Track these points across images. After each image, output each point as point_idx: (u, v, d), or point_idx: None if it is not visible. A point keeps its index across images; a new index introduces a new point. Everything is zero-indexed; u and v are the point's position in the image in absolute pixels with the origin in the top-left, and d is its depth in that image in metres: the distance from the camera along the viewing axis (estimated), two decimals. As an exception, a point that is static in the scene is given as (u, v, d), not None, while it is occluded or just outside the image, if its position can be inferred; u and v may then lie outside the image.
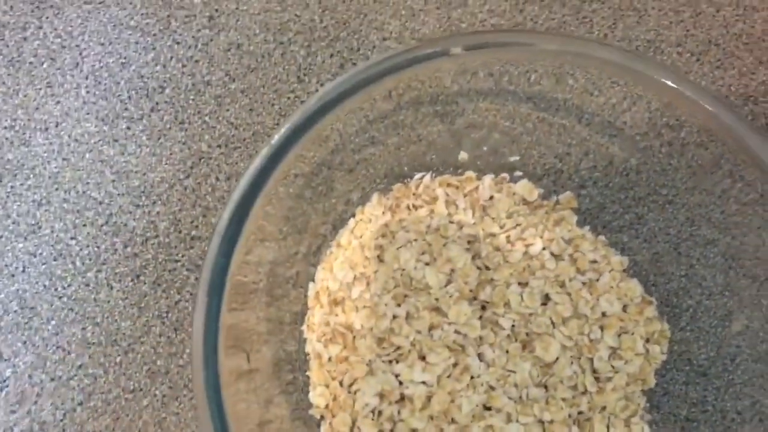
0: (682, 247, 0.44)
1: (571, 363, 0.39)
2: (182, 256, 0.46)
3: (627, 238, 0.46)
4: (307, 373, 0.41)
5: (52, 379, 0.44)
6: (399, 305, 0.39)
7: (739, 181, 0.40)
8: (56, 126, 0.49)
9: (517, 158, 0.44)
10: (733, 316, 0.42)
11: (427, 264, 0.40)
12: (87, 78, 0.50)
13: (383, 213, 0.42)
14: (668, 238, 0.45)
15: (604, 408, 0.39)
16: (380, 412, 0.38)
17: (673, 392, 0.43)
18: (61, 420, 0.44)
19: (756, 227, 0.40)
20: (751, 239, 0.41)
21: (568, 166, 0.47)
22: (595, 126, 0.45)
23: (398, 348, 0.38)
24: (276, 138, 0.35)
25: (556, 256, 0.41)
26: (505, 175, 0.44)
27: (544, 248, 0.41)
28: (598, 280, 0.41)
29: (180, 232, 0.47)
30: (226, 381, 0.36)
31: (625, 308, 0.41)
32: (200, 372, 0.34)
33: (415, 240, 0.40)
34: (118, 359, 0.45)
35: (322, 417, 0.40)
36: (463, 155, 0.44)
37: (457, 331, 0.38)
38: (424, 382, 0.37)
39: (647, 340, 0.41)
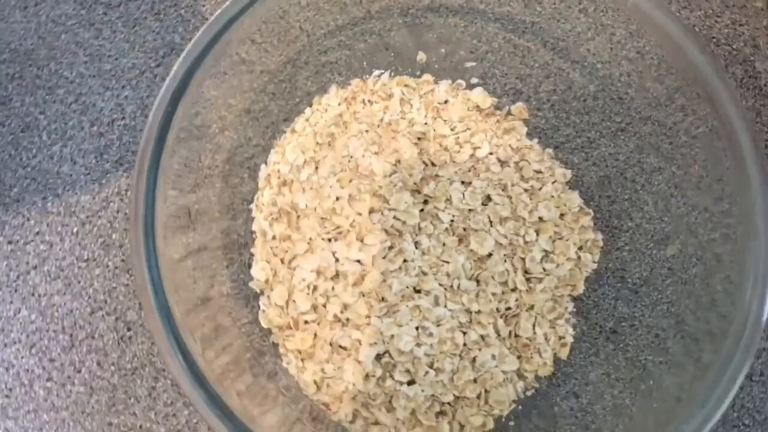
0: (629, 173, 0.46)
1: (504, 261, 0.41)
2: (146, 140, 0.48)
3: (578, 160, 0.47)
4: (252, 250, 0.42)
5: (9, 242, 0.46)
6: (343, 188, 0.40)
7: (690, 115, 0.42)
8: (35, 5, 0.50)
9: (474, 64, 0.46)
10: (669, 240, 0.43)
11: (375, 153, 0.41)
12: (69, -37, 0.52)
13: (339, 104, 0.43)
14: (617, 163, 0.46)
15: (531, 307, 0.41)
16: (315, 287, 0.39)
17: (603, 306, 0.44)
18: (15, 281, 0.45)
19: (702, 159, 0.42)
20: (696, 170, 0.42)
21: (528, 87, 0.48)
22: (559, 51, 0.47)
23: (338, 227, 0.40)
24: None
25: (502, 162, 0.43)
26: (461, 81, 0.45)
27: (491, 153, 0.43)
28: (540, 189, 0.43)
29: (146, 116, 0.48)
30: (172, 256, 0.37)
31: (562, 216, 0.43)
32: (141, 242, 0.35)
33: (367, 131, 0.42)
34: (75, 230, 0.46)
35: (261, 291, 0.41)
36: (421, 56, 0.45)
37: (396, 218, 0.40)
38: (359, 261, 0.39)
39: (580, 248, 0.43)
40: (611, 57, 0.45)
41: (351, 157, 0.41)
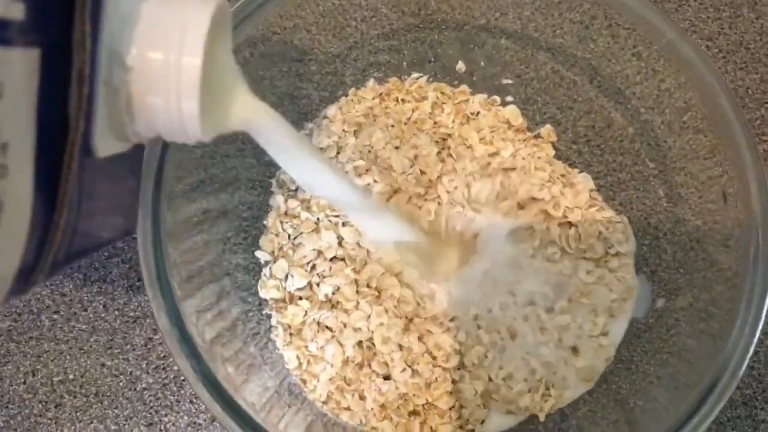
0: (653, 219, 0.45)
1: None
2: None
3: (603, 198, 0.47)
4: (264, 222, 0.44)
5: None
6: (359, 176, 0.41)
7: (729, 172, 0.41)
8: None
9: (511, 81, 0.46)
10: (681, 292, 0.43)
11: (396, 148, 0.42)
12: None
13: (373, 98, 0.44)
14: (642, 208, 0.46)
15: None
16: (314, 266, 0.41)
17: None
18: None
19: (732, 216, 0.41)
20: (722, 227, 0.41)
21: (567, 119, 0.48)
22: (605, 90, 0.47)
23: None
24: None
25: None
26: (496, 97, 0.46)
27: (513, 156, 0.43)
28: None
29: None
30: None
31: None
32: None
33: (392, 126, 0.43)
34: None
35: (266, 263, 0.43)
36: (460, 65, 0.46)
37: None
38: (358, 244, 0.40)
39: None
40: (656, 104, 0.44)
41: (372, 147, 0.42)
